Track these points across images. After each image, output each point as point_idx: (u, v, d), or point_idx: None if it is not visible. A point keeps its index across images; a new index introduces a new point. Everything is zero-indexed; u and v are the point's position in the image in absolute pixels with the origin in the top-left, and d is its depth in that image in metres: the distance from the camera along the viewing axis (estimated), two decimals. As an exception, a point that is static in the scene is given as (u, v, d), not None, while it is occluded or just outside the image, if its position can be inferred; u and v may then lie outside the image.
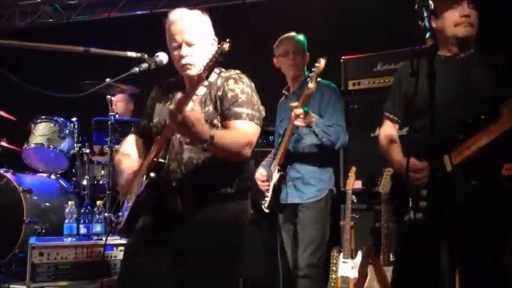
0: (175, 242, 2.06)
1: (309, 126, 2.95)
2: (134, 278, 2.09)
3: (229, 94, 2.06)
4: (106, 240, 3.27)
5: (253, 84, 2.16)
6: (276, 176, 3.11)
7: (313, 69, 2.87)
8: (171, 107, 1.80)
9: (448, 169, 2.12)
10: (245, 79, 2.14)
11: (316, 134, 2.98)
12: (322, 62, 2.84)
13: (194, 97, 1.92)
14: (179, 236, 2.06)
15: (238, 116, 2.02)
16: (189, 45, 2.11)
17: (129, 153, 2.25)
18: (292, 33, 3.31)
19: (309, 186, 3.15)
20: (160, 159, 2.04)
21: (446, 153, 2.14)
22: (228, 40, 1.73)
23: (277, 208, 3.20)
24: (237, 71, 2.16)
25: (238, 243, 2.14)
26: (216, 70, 2.18)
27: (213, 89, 2.10)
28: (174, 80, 2.24)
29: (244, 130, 2.01)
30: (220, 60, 1.78)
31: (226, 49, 1.73)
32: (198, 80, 1.71)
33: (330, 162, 3.25)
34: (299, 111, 2.87)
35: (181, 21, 2.12)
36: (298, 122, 2.90)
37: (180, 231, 2.06)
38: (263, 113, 2.18)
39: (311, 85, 2.85)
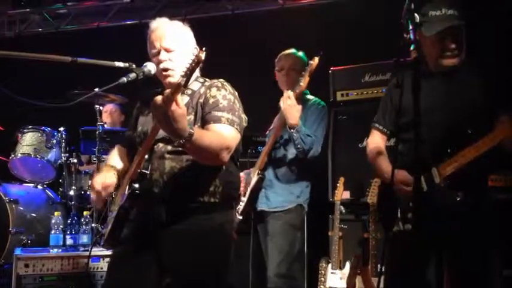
0: (160, 253, 2.04)
1: (290, 127, 2.94)
2: None
3: (211, 100, 2.06)
4: (90, 251, 3.21)
5: (236, 93, 2.15)
6: (254, 179, 3.13)
7: (306, 67, 2.91)
8: (158, 98, 1.75)
9: (437, 181, 2.13)
10: (228, 86, 2.14)
11: (294, 138, 2.96)
12: (316, 60, 2.89)
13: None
14: (164, 247, 2.04)
15: (217, 120, 2.01)
16: (167, 51, 2.13)
17: (111, 164, 2.24)
18: (292, 50, 3.34)
19: (276, 195, 3.16)
20: (142, 170, 2.02)
21: (434, 165, 2.15)
22: (204, 49, 1.73)
23: (252, 214, 3.22)
24: (221, 80, 2.17)
25: (223, 253, 2.12)
26: (200, 79, 2.19)
27: (195, 97, 2.10)
28: (158, 90, 2.23)
29: (222, 133, 1.98)
30: (197, 68, 1.79)
31: (203, 58, 1.73)
32: (177, 86, 1.69)
33: (306, 179, 3.22)
34: (292, 95, 2.90)
35: (160, 29, 2.16)
36: (286, 102, 2.91)
37: (165, 242, 2.04)
38: (245, 122, 2.16)
39: (302, 84, 2.90)
